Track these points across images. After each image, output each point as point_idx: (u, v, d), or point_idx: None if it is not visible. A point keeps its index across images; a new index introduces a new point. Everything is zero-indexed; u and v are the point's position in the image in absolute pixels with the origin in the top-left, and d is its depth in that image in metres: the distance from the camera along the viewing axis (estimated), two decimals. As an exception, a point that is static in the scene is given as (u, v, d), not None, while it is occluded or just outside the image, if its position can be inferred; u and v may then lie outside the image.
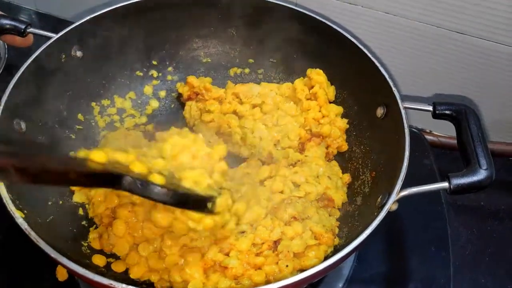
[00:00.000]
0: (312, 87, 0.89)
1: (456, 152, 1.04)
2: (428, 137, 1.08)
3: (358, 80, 0.87)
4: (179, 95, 0.97)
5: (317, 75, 0.89)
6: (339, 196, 0.80)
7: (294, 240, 0.71)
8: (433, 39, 0.92)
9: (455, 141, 1.05)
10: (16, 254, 0.83)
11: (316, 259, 0.70)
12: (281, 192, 0.78)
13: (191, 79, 0.93)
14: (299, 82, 0.91)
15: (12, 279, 0.81)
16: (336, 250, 0.62)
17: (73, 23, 0.83)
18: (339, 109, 0.89)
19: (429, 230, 0.91)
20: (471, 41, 0.90)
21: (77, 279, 0.80)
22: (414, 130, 1.05)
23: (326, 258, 0.70)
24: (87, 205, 0.78)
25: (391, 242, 0.89)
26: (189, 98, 0.94)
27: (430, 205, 0.95)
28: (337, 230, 0.77)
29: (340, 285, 0.82)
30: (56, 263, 0.57)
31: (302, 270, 0.68)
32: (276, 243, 0.71)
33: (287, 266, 0.69)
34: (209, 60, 1.02)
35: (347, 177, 0.85)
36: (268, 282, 0.67)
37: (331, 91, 0.90)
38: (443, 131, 1.08)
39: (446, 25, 0.89)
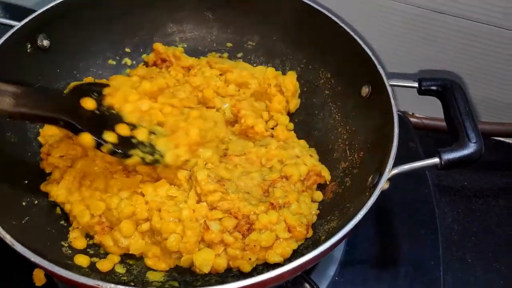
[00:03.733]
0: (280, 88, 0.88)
1: (441, 133, 1.05)
2: (412, 119, 1.08)
3: (341, 59, 0.85)
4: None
5: (290, 83, 0.88)
6: (326, 170, 0.79)
7: (264, 233, 0.67)
8: (417, 20, 0.92)
9: (438, 122, 1.07)
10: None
11: (280, 257, 0.67)
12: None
13: (157, 45, 0.91)
14: (271, 72, 0.89)
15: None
16: (330, 233, 0.61)
17: (35, 11, 0.77)
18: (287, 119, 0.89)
19: (417, 213, 0.91)
20: (454, 22, 0.89)
21: (56, 282, 0.76)
22: (398, 112, 1.04)
23: (297, 252, 0.69)
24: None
25: (380, 227, 0.89)
26: (154, 64, 0.91)
27: (417, 188, 0.95)
28: (314, 219, 0.74)
29: (333, 268, 0.82)
30: (35, 266, 0.53)
31: (264, 263, 0.68)
32: (249, 229, 0.68)
33: (250, 259, 0.66)
34: (185, 45, 0.97)
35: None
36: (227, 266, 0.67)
37: (294, 104, 0.90)
38: (426, 113, 1.08)
39: (425, 5, 0.89)
